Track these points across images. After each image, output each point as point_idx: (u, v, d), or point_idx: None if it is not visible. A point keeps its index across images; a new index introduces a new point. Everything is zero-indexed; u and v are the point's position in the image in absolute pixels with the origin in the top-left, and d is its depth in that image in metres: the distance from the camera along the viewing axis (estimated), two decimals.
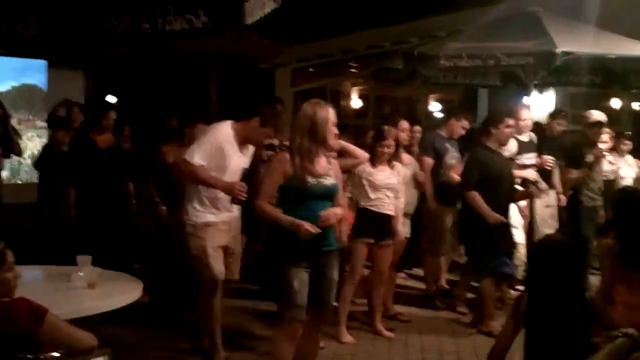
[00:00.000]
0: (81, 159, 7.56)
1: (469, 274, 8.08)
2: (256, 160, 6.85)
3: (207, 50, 12.24)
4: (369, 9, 12.34)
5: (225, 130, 5.97)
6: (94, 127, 7.58)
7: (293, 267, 5.05)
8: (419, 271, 9.34)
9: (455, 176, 7.93)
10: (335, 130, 5.20)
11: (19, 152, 8.91)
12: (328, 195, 5.15)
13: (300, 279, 5.06)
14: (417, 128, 8.50)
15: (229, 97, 13.65)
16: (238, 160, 6.02)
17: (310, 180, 5.04)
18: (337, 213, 5.20)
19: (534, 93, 10.49)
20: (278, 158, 5.23)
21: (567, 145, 9.04)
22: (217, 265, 6.08)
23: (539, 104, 10.41)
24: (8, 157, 8.75)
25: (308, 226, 4.94)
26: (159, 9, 7.16)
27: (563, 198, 8.92)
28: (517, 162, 8.20)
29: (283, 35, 12.88)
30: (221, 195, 6.01)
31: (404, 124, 7.48)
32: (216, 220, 6.09)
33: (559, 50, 8.56)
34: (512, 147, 7.82)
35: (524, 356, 4.25)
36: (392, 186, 7.00)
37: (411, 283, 9.38)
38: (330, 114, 5.09)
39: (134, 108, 12.62)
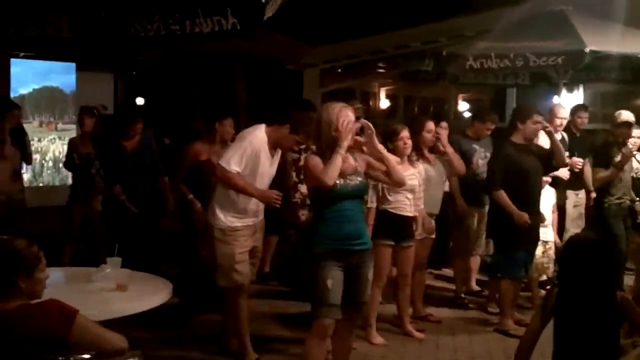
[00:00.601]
0: (111, 164, 7.59)
1: (489, 271, 8.01)
2: (282, 163, 6.82)
3: (234, 51, 12.26)
4: (396, 9, 12.29)
5: (261, 136, 5.95)
6: (122, 136, 7.62)
7: (328, 266, 5.04)
8: (449, 272, 9.32)
9: None
10: (353, 128, 5.10)
11: (29, 161, 8.95)
12: (357, 194, 5.20)
13: (335, 278, 5.05)
14: (444, 124, 8.46)
15: (258, 99, 13.67)
16: (268, 166, 6.04)
17: (337, 181, 5.03)
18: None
19: (563, 92, 10.43)
20: (308, 160, 5.19)
21: (596, 144, 8.98)
22: (244, 269, 6.09)
23: (569, 103, 10.33)
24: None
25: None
26: (188, 11, 7.21)
27: (592, 196, 8.87)
28: None
29: (311, 36, 12.87)
30: (250, 200, 6.03)
31: (430, 125, 7.42)
32: (243, 225, 6.08)
33: (587, 49, 8.51)
34: (543, 144, 7.76)
35: (553, 354, 4.25)
36: (412, 187, 6.88)
37: (441, 284, 9.34)
38: (334, 114, 5.05)
39: (164, 110, 12.68)
